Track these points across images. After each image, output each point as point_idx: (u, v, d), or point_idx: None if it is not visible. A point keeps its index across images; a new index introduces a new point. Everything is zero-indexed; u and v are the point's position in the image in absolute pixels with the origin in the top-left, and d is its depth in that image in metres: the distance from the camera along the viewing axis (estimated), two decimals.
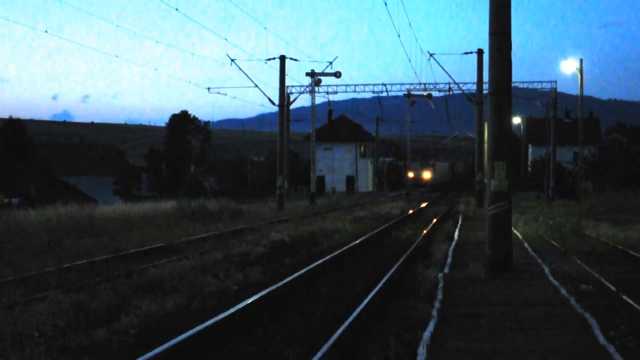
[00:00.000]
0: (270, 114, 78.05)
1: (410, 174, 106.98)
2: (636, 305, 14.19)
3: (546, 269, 18.79)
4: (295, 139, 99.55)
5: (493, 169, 18.39)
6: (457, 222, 38.11)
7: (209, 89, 66.23)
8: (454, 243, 26.32)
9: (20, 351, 11.07)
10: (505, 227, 18.48)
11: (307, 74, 67.00)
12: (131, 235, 29.92)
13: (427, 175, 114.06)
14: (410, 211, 53.80)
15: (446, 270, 18.83)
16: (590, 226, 33.73)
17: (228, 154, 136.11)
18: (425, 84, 72.66)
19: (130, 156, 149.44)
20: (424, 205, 66.08)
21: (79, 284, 17.18)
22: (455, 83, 66.99)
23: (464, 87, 67.42)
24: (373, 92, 76.70)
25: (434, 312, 13.09)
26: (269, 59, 58.87)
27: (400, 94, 79.58)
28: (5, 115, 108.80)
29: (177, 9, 39.02)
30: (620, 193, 62.44)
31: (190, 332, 11.70)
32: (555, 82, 72.02)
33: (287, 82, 61.11)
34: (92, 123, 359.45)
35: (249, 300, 14.61)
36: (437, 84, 72.44)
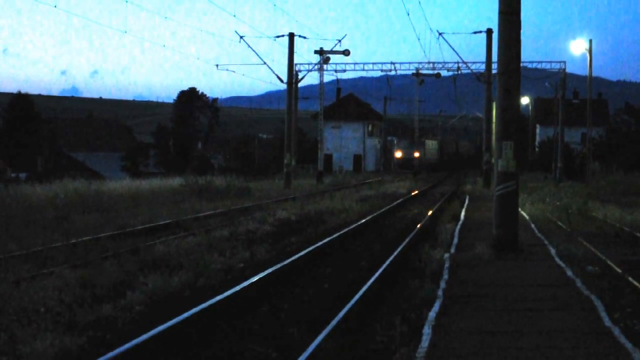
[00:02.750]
0: (278, 91, 77.84)
1: (398, 154, 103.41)
2: None
3: (552, 250, 18.79)
4: (303, 117, 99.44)
5: (501, 149, 18.35)
6: (464, 202, 38.07)
7: (217, 65, 66.02)
8: (460, 223, 26.31)
9: (26, 326, 11.11)
10: (512, 207, 18.47)
11: (316, 52, 66.86)
12: (138, 212, 29.95)
13: (417, 155, 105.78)
14: (417, 191, 53.77)
15: (452, 250, 18.85)
16: (597, 208, 33.66)
17: (236, 131, 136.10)
18: (434, 63, 72.52)
19: (138, 132, 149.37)
20: (430, 185, 66.03)
21: (85, 260, 17.21)
22: (464, 62, 66.80)
23: (473, 67, 67.20)
24: (381, 70, 76.44)
25: (440, 292, 13.10)
26: (278, 37, 58.70)
27: (409, 72, 79.34)
28: (14, 90, 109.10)
29: None
30: (628, 175, 62.33)
31: (195, 309, 11.73)
32: (564, 62, 71.93)
33: (296, 60, 61.03)
34: (101, 99, 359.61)
35: (255, 278, 14.64)
36: (446, 63, 72.61)
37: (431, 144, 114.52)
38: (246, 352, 10.53)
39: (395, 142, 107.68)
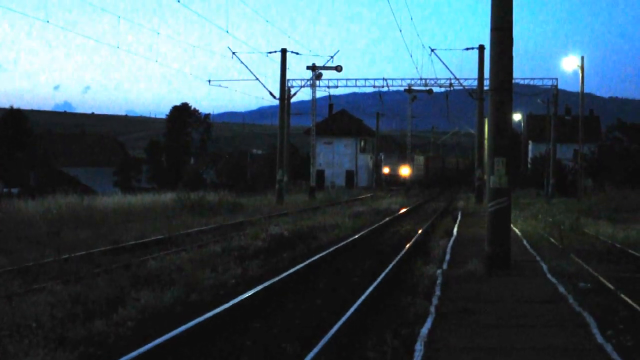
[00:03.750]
0: (271, 107, 77.87)
1: (386, 170, 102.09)
2: (634, 304, 14.18)
3: (544, 267, 18.80)
4: (295, 133, 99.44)
5: (493, 165, 18.37)
6: (457, 218, 38.09)
7: (209, 81, 66.27)
8: (452, 239, 26.31)
9: (18, 342, 11.06)
10: (504, 224, 18.47)
11: (308, 68, 66.96)
12: (130, 227, 29.91)
13: (405, 171, 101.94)
14: (410, 207, 53.76)
15: (445, 266, 18.84)
16: (589, 224, 33.72)
17: (228, 146, 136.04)
18: (426, 79, 72.78)
19: (131, 148, 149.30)
20: (423, 201, 66.04)
21: (77, 275, 17.17)
22: (456, 79, 67.11)
23: (465, 83, 67.53)
24: (374, 86, 76.65)
25: (432, 309, 13.09)
26: (271, 52, 58.85)
27: (401, 89, 79.58)
28: (7, 105, 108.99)
29: (178, 1, 38.84)
30: (620, 191, 62.43)
31: (187, 325, 11.70)
32: (557, 79, 72.43)
33: (288, 76, 61.11)
34: (93, 114, 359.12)
35: (247, 294, 14.62)
36: (438, 79, 72.65)
37: (418, 160, 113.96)
38: None
39: (382, 158, 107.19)
